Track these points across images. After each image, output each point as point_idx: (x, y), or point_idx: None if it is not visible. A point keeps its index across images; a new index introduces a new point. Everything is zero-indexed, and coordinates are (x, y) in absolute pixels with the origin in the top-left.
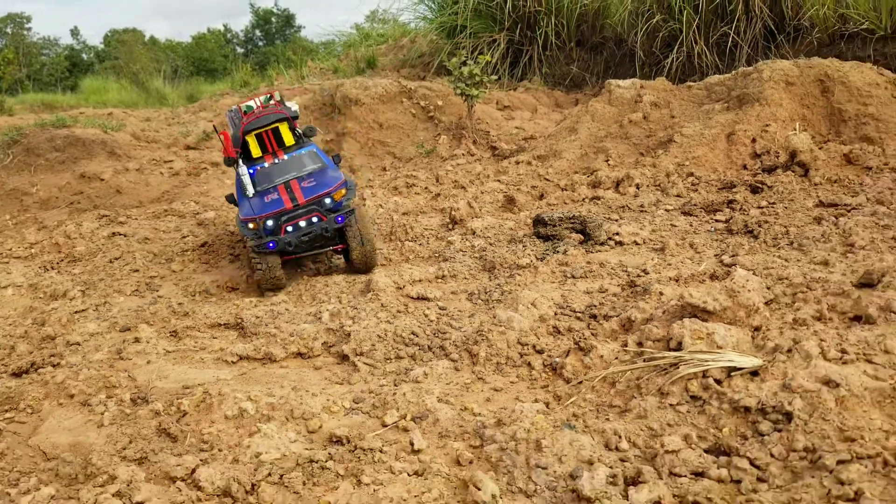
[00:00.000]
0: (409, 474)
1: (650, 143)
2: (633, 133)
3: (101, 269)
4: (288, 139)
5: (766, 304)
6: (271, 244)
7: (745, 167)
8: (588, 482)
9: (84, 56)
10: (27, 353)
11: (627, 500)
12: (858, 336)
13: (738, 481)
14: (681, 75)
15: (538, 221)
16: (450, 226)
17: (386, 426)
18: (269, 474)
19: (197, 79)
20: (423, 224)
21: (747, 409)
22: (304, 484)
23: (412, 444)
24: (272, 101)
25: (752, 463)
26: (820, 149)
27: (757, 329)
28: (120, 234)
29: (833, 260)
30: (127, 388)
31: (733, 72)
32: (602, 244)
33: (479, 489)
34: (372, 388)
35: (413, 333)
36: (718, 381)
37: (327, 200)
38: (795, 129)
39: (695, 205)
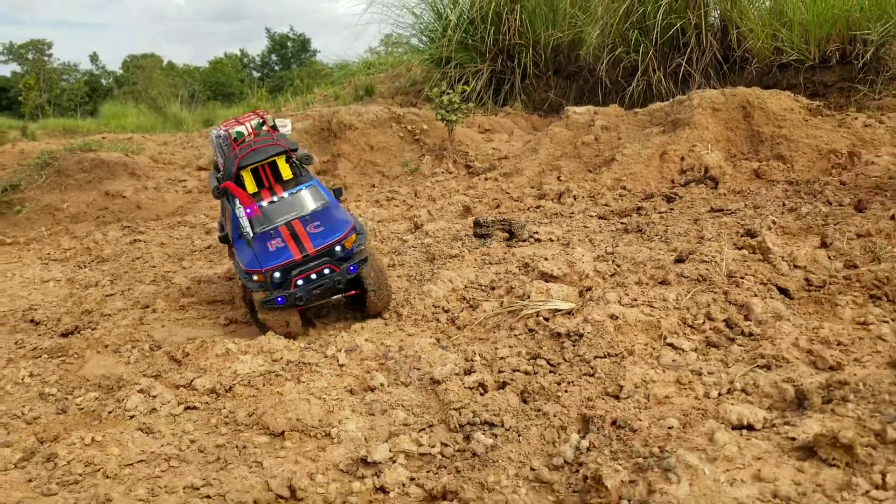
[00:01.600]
0: (332, 376)
1: (597, 162)
2: (585, 153)
3: (126, 266)
4: (286, 173)
5: (612, 275)
6: (280, 299)
7: (672, 182)
8: (439, 372)
9: (103, 81)
10: (71, 322)
11: (462, 382)
12: (655, 292)
13: (536, 372)
14: (643, 101)
15: (476, 223)
16: (412, 230)
17: (326, 356)
18: (241, 381)
19: (214, 103)
20: (392, 229)
21: (559, 334)
22: (263, 385)
23: (338, 361)
24: (264, 128)
25: (548, 362)
26: (733, 166)
27: (589, 288)
28: (140, 241)
29: (681, 248)
30: (146, 341)
31: (671, 99)
32: (524, 241)
33: (373, 380)
34: (322, 337)
35: None
36: (546, 319)
37: (338, 248)
38: (709, 149)
39: (612, 211)
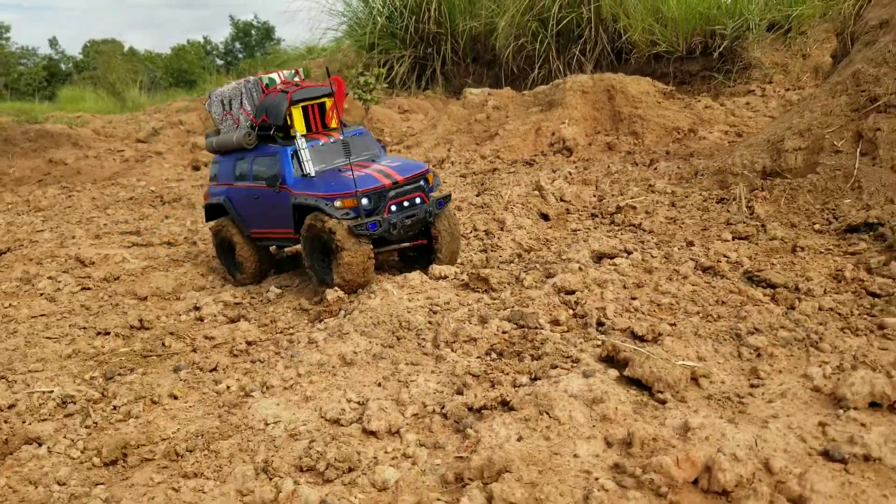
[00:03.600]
0: (191, 266)
1: (484, 136)
2: (476, 129)
3: (58, 213)
4: (332, 120)
5: None
6: (373, 225)
7: (542, 152)
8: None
9: (62, 66)
10: (4, 246)
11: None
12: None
13: None
14: None
15: None
16: None
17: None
18: (127, 273)
19: (176, 90)
20: None
21: None
22: (141, 274)
23: (205, 260)
24: (297, 78)
25: None
26: (591, 140)
27: None
28: (74, 196)
29: (483, 187)
30: (66, 257)
31: (551, 83)
32: None
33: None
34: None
35: None
36: None
37: (422, 182)
38: (566, 124)
39: (473, 172)
